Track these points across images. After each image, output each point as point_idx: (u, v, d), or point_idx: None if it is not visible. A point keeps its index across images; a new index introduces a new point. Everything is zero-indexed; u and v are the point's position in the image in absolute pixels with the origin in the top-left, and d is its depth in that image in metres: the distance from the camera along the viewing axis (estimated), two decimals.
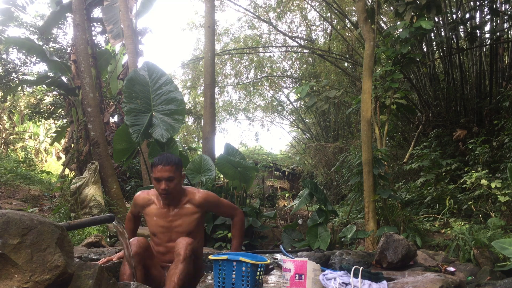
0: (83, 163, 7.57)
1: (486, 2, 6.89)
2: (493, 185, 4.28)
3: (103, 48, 9.92)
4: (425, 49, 7.75)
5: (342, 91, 7.98)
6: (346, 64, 11.45)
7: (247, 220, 5.03)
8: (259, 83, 15.34)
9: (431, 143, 6.71)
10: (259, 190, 8.84)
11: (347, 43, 10.46)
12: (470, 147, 5.61)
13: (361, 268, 2.29)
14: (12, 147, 13.45)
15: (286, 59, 14.63)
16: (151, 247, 2.55)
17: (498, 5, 7.08)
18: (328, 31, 12.92)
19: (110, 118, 9.00)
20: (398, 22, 5.52)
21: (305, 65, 13.74)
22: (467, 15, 7.15)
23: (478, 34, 6.93)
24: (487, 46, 7.37)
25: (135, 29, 7.94)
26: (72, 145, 8.30)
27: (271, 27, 12.80)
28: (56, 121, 12.41)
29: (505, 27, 7.20)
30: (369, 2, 7.33)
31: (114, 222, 2.11)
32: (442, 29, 7.61)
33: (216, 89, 13.70)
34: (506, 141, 5.38)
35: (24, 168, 10.48)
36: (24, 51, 9.61)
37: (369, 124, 4.68)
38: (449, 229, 4.60)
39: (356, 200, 5.68)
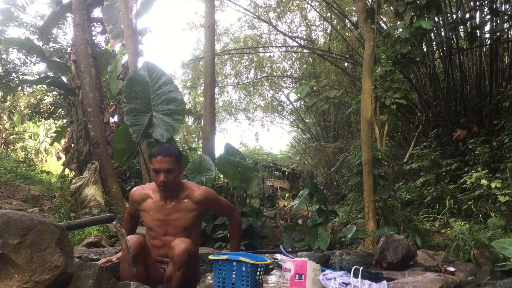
0: (83, 163, 7.56)
1: (486, 2, 6.89)
2: (493, 185, 4.28)
3: (103, 48, 9.91)
4: (425, 49, 7.75)
5: (342, 91, 7.97)
6: (346, 64, 11.44)
7: (247, 220, 5.04)
8: (259, 83, 15.34)
9: (431, 143, 6.71)
10: (259, 190, 8.83)
11: (347, 43, 10.46)
12: (470, 147, 5.61)
13: (361, 268, 2.29)
14: (12, 147, 13.44)
15: (286, 59, 14.64)
16: (147, 244, 2.52)
17: (498, 5, 7.08)
18: (328, 31, 12.92)
19: (110, 118, 8.97)
20: (398, 22, 5.52)
21: (305, 65, 13.73)
22: (467, 15, 7.15)
23: (478, 34, 6.93)
24: (487, 46, 7.37)
25: (135, 29, 7.93)
26: (72, 145, 8.29)
27: (271, 27, 12.80)
28: (56, 121, 12.40)
29: (505, 27, 7.19)
30: (369, 2, 7.33)
31: (114, 222, 2.11)
32: (442, 29, 7.60)
33: (216, 89, 13.70)
34: (506, 141, 5.38)
35: (24, 168, 10.48)
36: (24, 51, 9.60)
37: (369, 124, 4.68)
38: (449, 229, 4.60)
39: (356, 200, 5.68)
